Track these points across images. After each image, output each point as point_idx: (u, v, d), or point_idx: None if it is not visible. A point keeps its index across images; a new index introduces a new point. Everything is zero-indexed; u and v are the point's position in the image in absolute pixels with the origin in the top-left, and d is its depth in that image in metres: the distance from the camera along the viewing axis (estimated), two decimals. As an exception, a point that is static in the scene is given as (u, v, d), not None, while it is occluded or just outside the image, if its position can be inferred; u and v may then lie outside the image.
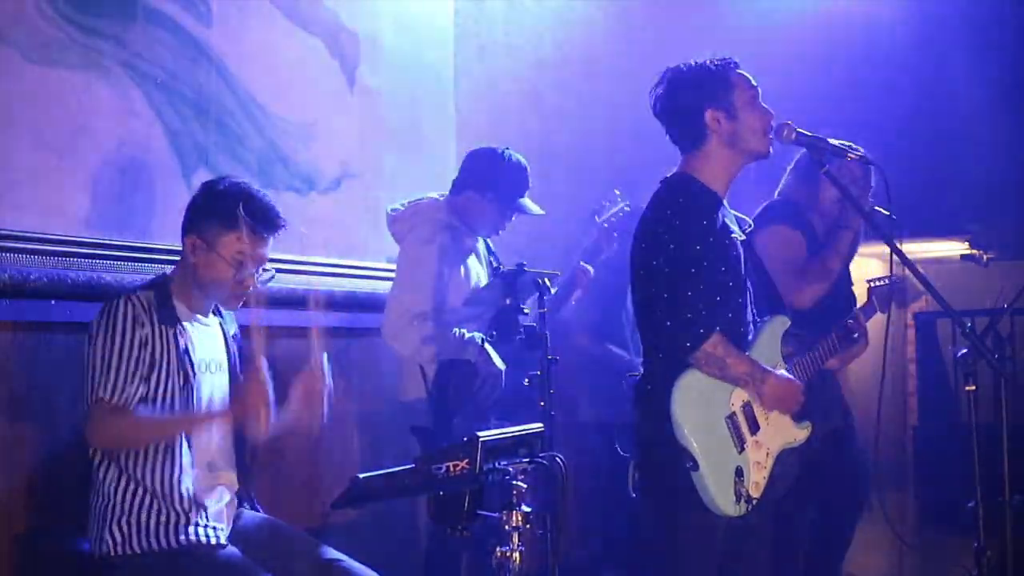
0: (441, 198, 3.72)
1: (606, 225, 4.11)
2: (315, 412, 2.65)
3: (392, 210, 3.69)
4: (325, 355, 2.69)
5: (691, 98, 2.77)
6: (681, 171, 2.82)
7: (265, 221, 2.65)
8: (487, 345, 3.49)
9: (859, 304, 3.42)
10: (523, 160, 3.68)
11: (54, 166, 3.00)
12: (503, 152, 3.67)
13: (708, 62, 2.80)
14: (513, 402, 3.56)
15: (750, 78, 2.81)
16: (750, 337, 2.82)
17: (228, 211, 2.60)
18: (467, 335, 3.51)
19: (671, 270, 2.65)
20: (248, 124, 3.61)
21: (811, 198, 3.61)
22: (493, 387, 3.47)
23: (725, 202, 2.85)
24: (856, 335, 3.11)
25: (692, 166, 2.81)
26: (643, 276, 2.74)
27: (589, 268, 4.01)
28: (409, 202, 3.70)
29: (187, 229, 2.65)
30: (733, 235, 2.77)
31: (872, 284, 3.20)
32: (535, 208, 3.69)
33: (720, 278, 2.71)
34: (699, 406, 2.67)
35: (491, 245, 3.88)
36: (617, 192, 4.20)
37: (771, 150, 2.83)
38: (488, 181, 3.61)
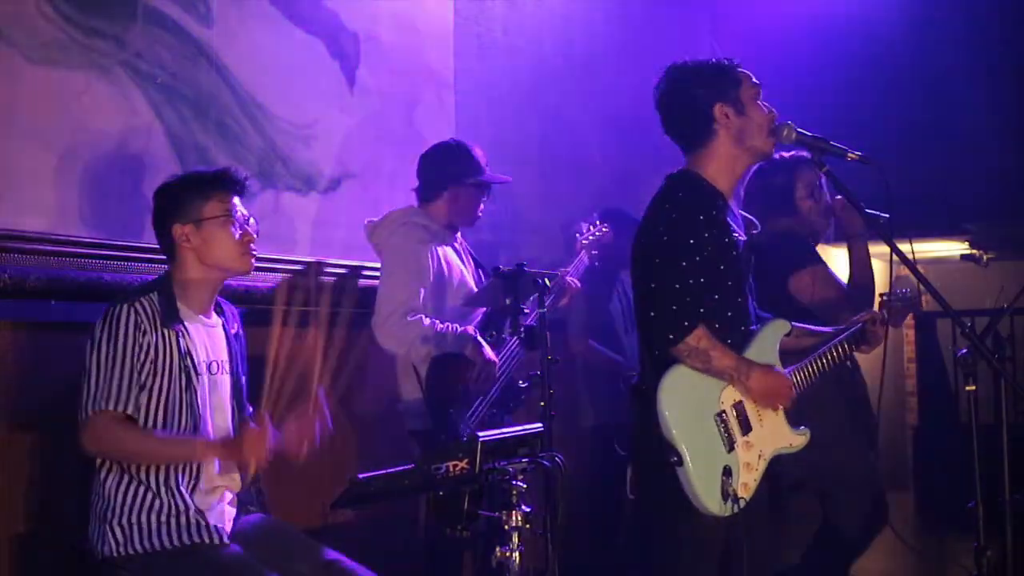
0: (413, 207, 3.78)
1: (585, 242, 4.14)
2: (304, 448, 2.71)
3: (368, 221, 3.75)
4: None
5: (700, 93, 2.76)
6: (686, 168, 2.81)
7: (228, 178, 2.73)
8: (480, 337, 3.52)
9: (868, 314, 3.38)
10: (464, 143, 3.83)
11: (54, 166, 3.00)
12: (451, 141, 3.81)
13: (712, 59, 2.80)
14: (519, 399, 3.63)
15: (752, 76, 2.81)
16: (749, 337, 2.81)
17: (195, 187, 2.68)
18: (459, 329, 3.54)
19: (662, 261, 2.65)
20: (248, 124, 3.61)
21: (790, 219, 3.64)
22: (488, 378, 3.49)
23: (731, 203, 2.84)
24: (868, 343, 3.07)
25: (697, 164, 2.80)
26: (640, 270, 2.74)
27: (573, 282, 3.99)
28: (382, 216, 3.76)
29: (168, 225, 2.67)
30: (734, 234, 2.76)
31: (885, 298, 3.17)
32: (501, 176, 3.81)
33: (718, 275, 2.70)
34: (686, 402, 2.66)
35: (463, 244, 3.89)
36: (595, 214, 4.34)
37: (771, 150, 2.83)
38: (464, 169, 3.69)
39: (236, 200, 2.72)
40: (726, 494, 2.63)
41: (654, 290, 2.65)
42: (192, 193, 2.67)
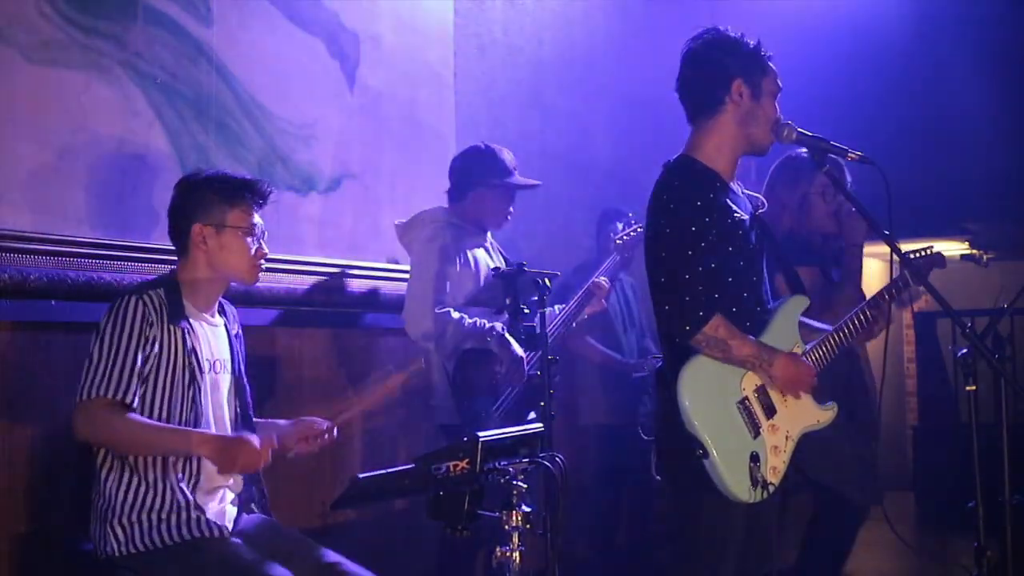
0: (442, 207, 3.86)
1: (619, 241, 4.16)
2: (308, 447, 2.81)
3: (397, 223, 3.85)
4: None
5: (727, 62, 2.76)
6: (682, 153, 2.80)
7: (259, 191, 2.73)
8: (507, 333, 3.56)
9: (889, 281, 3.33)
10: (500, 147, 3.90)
11: (54, 166, 3.00)
12: (483, 144, 3.86)
13: (753, 41, 2.81)
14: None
15: (779, 77, 2.82)
16: (768, 317, 2.80)
17: (226, 190, 2.68)
18: (488, 325, 3.56)
19: (668, 254, 2.64)
20: (248, 124, 3.61)
21: (800, 218, 3.63)
22: (515, 374, 3.51)
23: (734, 183, 2.82)
24: (877, 320, 3.07)
25: (695, 144, 2.79)
26: (650, 264, 2.73)
27: (604, 282, 4.03)
28: (411, 217, 3.85)
29: (188, 222, 2.67)
30: (736, 215, 2.74)
31: (908, 256, 3.12)
32: (532, 181, 3.87)
33: (727, 259, 2.69)
34: (708, 393, 2.65)
35: (493, 244, 3.91)
36: (631, 214, 4.33)
37: (770, 145, 2.82)
38: (490, 171, 3.77)
39: (257, 214, 2.73)
40: (755, 480, 2.61)
41: (665, 283, 2.64)
42: (220, 196, 2.67)
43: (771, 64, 2.82)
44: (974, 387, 3.04)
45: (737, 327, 2.67)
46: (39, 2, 2.95)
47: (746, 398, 2.70)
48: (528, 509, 2.21)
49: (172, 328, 2.57)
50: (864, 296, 3.59)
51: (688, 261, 2.62)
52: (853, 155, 2.84)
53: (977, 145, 6.43)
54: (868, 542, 3.88)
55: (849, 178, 3.54)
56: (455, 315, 3.59)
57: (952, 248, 8.68)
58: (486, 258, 3.81)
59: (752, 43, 2.80)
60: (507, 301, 3.36)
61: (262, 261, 2.73)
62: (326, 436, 2.79)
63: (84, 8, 3.07)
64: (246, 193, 2.70)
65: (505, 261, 3.88)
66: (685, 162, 2.77)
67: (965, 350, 2.98)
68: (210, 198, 2.67)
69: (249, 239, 2.69)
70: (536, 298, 3.35)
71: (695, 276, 2.61)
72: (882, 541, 5.10)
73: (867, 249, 3.74)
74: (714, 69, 2.77)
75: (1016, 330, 6.41)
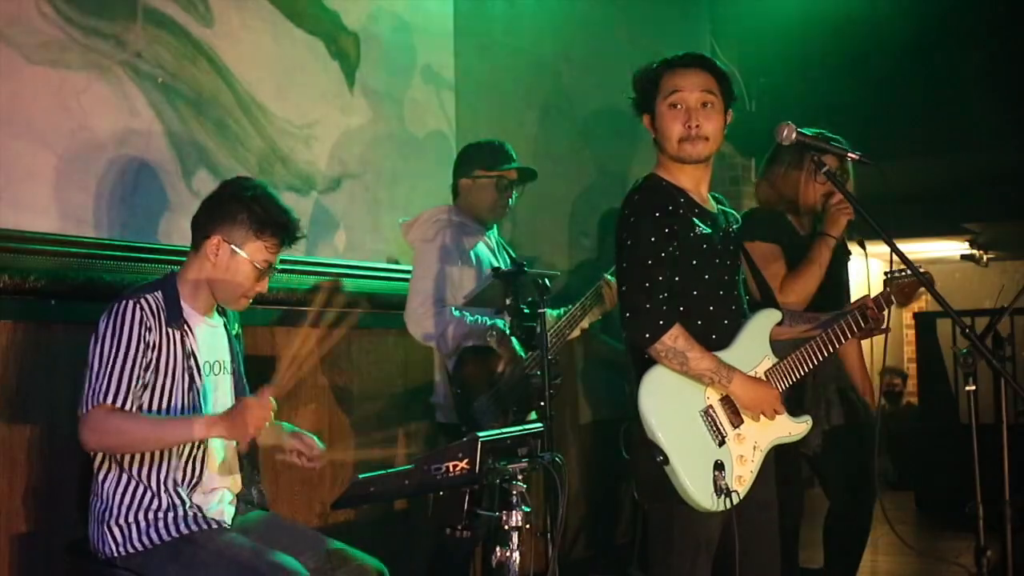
0: (446, 205, 3.86)
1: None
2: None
3: (402, 220, 3.85)
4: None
5: (636, 103, 2.84)
6: (650, 172, 2.85)
7: (290, 233, 2.69)
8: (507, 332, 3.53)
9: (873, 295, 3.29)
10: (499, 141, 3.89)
11: (54, 166, 3.00)
12: (480, 141, 3.90)
13: (651, 65, 2.81)
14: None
15: (677, 80, 2.75)
16: (736, 331, 2.80)
17: (261, 220, 2.63)
18: (488, 321, 3.56)
19: (629, 265, 2.69)
20: (248, 124, 3.61)
21: (792, 200, 3.62)
22: (514, 373, 3.50)
23: (703, 198, 2.83)
24: (871, 326, 3.03)
25: (660, 161, 2.85)
26: (617, 276, 2.79)
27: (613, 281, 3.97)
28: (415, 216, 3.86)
29: (211, 229, 2.64)
30: (699, 229, 2.75)
31: (890, 276, 3.11)
32: (521, 164, 3.84)
33: (691, 271, 2.72)
34: (669, 400, 2.67)
35: (497, 241, 3.91)
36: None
37: (691, 157, 2.75)
38: (469, 162, 3.80)
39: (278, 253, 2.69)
40: (719, 489, 2.62)
41: (625, 292, 2.69)
42: (252, 222, 2.62)
43: (667, 75, 2.76)
44: (974, 387, 3.04)
45: (704, 341, 2.69)
46: (39, 2, 2.95)
47: (710, 407, 2.71)
48: (528, 509, 2.22)
49: (171, 331, 2.56)
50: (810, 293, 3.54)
51: (647, 270, 2.66)
52: (853, 155, 2.84)
53: (977, 145, 6.43)
54: (868, 542, 3.88)
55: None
56: (456, 313, 3.59)
57: (952, 248, 8.71)
58: (488, 254, 3.80)
59: (645, 68, 2.82)
60: (507, 301, 3.37)
61: (254, 295, 2.70)
62: (312, 462, 2.76)
63: (84, 8, 3.07)
64: (280, 232, 2.66)
65: (510, 256, 3.89)
66: (649, 179, 2.82)
67: (965, 350, 2.97)
68: (243, 219, 2.63)
69: (254, 273, 2.65)
70: (536, 298, 3.35)
71: (656, 285, 2.65)
72: (882, 541, 5.11)
73: (866, 250, 3.72)
74: (636, 111, 2.85)
75: (1016, 330, 6.41)
